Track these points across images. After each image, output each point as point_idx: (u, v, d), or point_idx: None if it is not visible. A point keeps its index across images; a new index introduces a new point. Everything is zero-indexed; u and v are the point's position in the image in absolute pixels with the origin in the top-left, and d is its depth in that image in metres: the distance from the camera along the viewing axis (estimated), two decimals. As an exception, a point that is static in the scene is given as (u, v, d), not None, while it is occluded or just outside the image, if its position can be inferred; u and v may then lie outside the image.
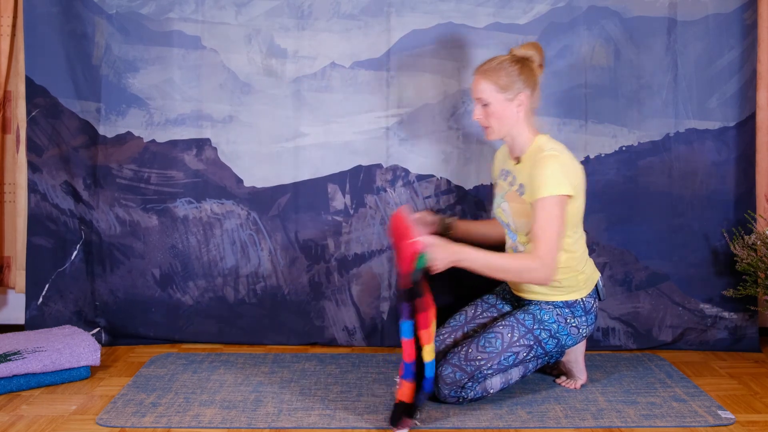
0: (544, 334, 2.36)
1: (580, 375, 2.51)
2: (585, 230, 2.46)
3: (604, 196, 2.89)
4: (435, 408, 2.31)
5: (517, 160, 2.42)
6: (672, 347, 2.93)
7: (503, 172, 2.51)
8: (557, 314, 2.38)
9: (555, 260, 2.23)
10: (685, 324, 2.92)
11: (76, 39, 2.86)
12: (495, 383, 2.35)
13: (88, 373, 2.57)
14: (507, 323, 2.37)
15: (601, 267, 2.89)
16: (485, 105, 2.36)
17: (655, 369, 2.69)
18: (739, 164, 2.90)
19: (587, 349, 2.83)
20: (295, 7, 2.89)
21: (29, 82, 2.86)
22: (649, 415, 2.27)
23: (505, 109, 2.35)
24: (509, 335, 2.33)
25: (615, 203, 2.90)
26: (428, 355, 2.14)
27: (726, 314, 2.91)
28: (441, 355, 2.40)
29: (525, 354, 2.35)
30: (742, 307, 2.91)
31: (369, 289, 2.93)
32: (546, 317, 2.38)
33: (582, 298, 2.41)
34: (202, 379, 2.56)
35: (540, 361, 2.43)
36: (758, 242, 2.73)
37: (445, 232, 2.63)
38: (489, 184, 2.88)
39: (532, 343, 2.35)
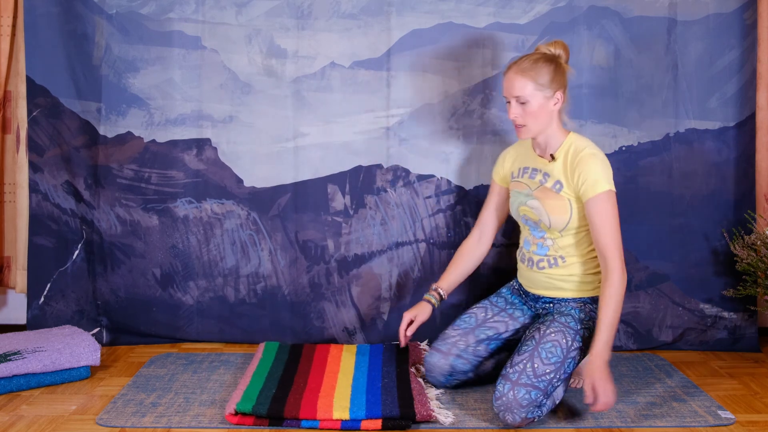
0: (587, 333, 2.29)
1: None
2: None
3: (604, 196, 2.89)
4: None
5: (552, 157, 2.35)
6: (672, 347, 2.93)
7: (525, 171, 2.44)
8: (590, 310, 2.33)
9: (623, 259, 2.22)
10: (685, 324, 2.91)
11: (76, 39, 2.87)
12: (559, 392, 2.27)
13: (88, 373, 2.57)
14: (556, 329, 2.26)
15: (601, 267, 2.89)
16: (523, 103, 2.30)
17: (655, 369, 2.69)
18: (739, 164, 2.90)
19: (587, 349, 2.83)
20: (295, 6, 2.89)
21: (30, 82, 2.86)
22: (649, 415, 2.27)
23: (543, 108, 2.30)
24: (564, 341, 2.24)
25: (615, 203, 2.89)
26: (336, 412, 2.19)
27: (726, 314, 2.91)
28: (452, 357, 2.39)
29: (579, 357, 2.27)
30: (741, 307, 2.91)
31: (369, 290, 2.93)
32: (583, 315, 2.32)
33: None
34: (202, 379, 2.56)
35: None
36: (758, 242, 2.73)
37: (438, 304, 2.57)
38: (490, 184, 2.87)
39: (580, 344, 2.28)
